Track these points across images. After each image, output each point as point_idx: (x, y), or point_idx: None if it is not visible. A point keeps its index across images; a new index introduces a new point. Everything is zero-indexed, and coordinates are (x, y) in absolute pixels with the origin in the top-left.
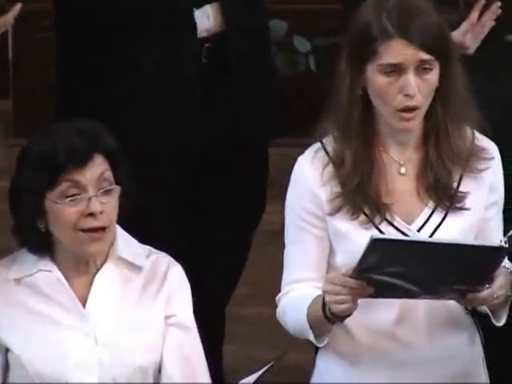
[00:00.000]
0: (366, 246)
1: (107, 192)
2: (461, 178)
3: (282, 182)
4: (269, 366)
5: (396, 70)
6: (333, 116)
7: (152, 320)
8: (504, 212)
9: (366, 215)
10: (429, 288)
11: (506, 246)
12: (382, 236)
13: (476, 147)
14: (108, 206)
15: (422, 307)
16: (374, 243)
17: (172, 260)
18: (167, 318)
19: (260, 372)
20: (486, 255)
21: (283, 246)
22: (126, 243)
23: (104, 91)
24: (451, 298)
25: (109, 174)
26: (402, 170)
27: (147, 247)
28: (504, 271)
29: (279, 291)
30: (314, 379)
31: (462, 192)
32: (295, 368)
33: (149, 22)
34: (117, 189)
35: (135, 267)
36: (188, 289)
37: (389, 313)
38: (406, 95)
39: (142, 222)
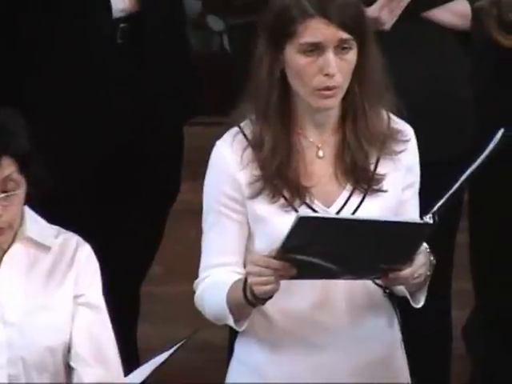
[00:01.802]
0: (291, 225)
1: (9, 196)
2: (378, 161)
3: (195, 160)
4: (179, 344)
5: (315, 49)
6: (251, 99)
7: (61, 300)
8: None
9: (286, 199)
10: (352, 267)
11: (431, 222)
12: (308, 214)
13: (392, 129)
14: (9, 209)
15: (341, 291)
16: (300, 222)
17: (80, 240)
18: (76, 297)
19: (171, 350)
20: (411, 232)
21: (198, 224)
22: (34, 223)
23: (15, 76)
24: (373, 278)
25: (16, 176)
26: (320, 153)
27: (56, 227)
28: (424, 250)
29: (194, 270)
30: (232, 365)
31: (379, 174)
32: (208, 345)
33: (62, 2)
34: (20, 193)
35: (44, 247)
36: (97, 268)
37: (308, 297)
38: (326, 75)
39: (58, 208)
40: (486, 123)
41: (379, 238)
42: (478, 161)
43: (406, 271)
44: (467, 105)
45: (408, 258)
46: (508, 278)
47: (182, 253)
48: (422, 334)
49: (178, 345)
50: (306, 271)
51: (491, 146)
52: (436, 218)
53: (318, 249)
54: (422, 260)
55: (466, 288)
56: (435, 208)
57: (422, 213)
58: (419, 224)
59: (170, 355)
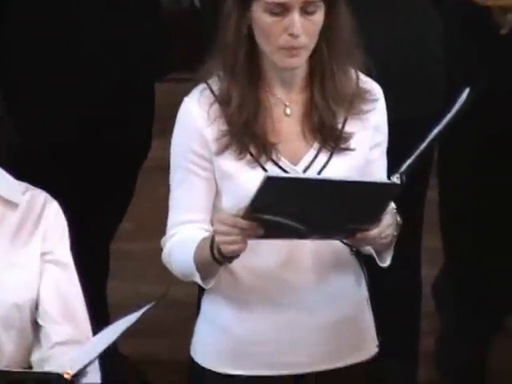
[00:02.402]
0: (259, 185)
1: None
2: (345, 120)
3: (165, 117)
4: (151, 305)
5: (282, 9)
6: (219, 55)
7: (28, 257)
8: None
9: (252, 155)
10: (320, 227)
11: (398, 182)
12: (276, 174)
13: (361, 89)
14: None
15: (308, 249)
16: (268, 181)
17: (48, 196)
18: (43, 254)
19: (142, 310)
20: (379, 192)
21: (167, 181)
22: (2, 180)
23: None
24: (341, 238)
25: None
26: (288, 111)
27: (24, 184)
28: (391, 211)
29: (163, 227)
30: (199, 322)
31: (346, 133)
32: (177, 302)
33: None
34: None
35: (11, 204)
36: (65, 225)
37: (274, 255)
38: (291, 35)
39: (29, 167)
40: (456, 81)
41: (346, 198)
42: (444, 120)
43: (374, 231)
44: (438, 64)
45: (375, 218)
46: (475, 237)
47: (152, 210)
48: (391, 291)
49: (149, 306)
50: (273, 231)
51: (457, 105)
52: (403, 178)
53: (285, 209)
54: (390, 220)
55: (436, 245)
56: (402, 168)
57: (391, 172)
58: (387, 184)
59: (141, 315)
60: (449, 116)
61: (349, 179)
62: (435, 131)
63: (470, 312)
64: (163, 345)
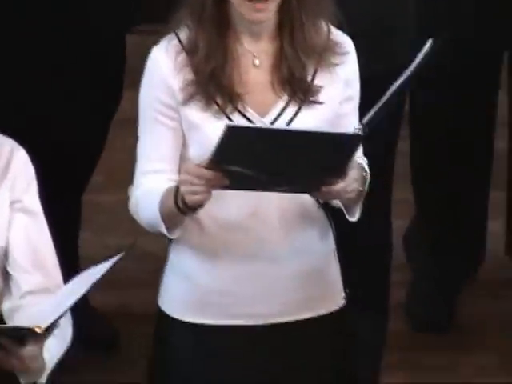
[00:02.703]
0: (220, 135)
1: None
2: (315, 72)
3: (135, 69)
4: (120, 255)
5: None
6: (187, 4)
7: None
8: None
9: (218, 105)
10: (285, 179)
11: (361, 133)
12: (237, 124)
13: (331, 41)
14: None
15: (275, 201)
16: (229, 131)
17: (15, 144)
18: (12, 203)
19: (113, 260)
20: (342, 144)
21: (137, 133)
22: None
23: None
24: (306, 191)
25: None
26: (256, 62)
27: None
28: (357, 165)
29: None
30: (166, 272)
31: (316, 86)
32: (148, 254)
33: None
34: None
35: None
36: (32, 174)
37: (242, 207)
38: None
39: None
40: (423, 32)
41: (309, 149)
42: (408, 72)
43: (339, 185)
44: (408, 17)
45: (340, 171)
46: (445, 188)
47: (123, 162)
48: (361, 243)
49: (118, 256)
50: (238, 182)
51: (420, 56)
52: (366, 129)
53: (248, 159)
54: (355, 175)
55: (407, 197)
56: (365, 120)
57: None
58: (349, 135)
59: (111, 266)
60: (412, 67)
61: (310, 130)
62: (398, 83)
63: (440, 263)
64: (134, 297)
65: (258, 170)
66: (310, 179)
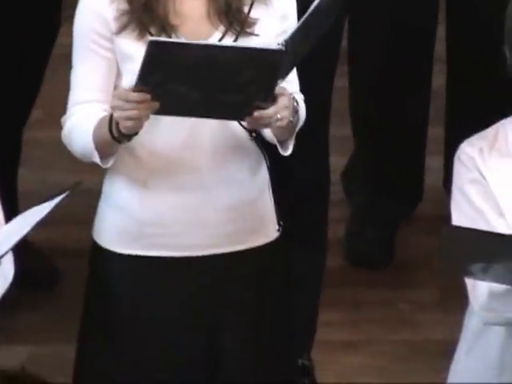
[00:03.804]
0: (145, 52)
1: None
2: (252, 4)
3: (73, 3)
4: (65, 194)
5: None
6: None
7: None
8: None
9: (152, 35)
10: (216, 102)
11: (284, 49)
12: (160, 38)
13: None
14: None
15: (207, 132)
16: (153, 46)
17: None
18: None
19: (56, 200)
20: (265, 59)
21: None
22: None
23: None
24: (238, 117)
25: None
26: None
27: None
28: (287, 93)
29: None
30: (101, 204)
31: (252, 18)
32: (88, 191)
33: None
34: None
35: None
36: None
37: (174, 137)
38: None
39: None
40: None
41: (236, 65)
42: None
43: (269, 110)
44: None
45: (269, 91)
46: (384, 124)
47: (61, 97)
48: (298, 178)
49: (62, 196)
50: (169, 106)
51: None
52: (288, 46)
53: (175, 79)
54: (286, 102)
55: (345, 134)
56: (287, 36)
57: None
58: (272, 50)
59: (54, 206)
60: None
61: (232, 45)
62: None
63: (379, 199)
64: (71, 233)
65: (187, 91)
66: (241, 101)
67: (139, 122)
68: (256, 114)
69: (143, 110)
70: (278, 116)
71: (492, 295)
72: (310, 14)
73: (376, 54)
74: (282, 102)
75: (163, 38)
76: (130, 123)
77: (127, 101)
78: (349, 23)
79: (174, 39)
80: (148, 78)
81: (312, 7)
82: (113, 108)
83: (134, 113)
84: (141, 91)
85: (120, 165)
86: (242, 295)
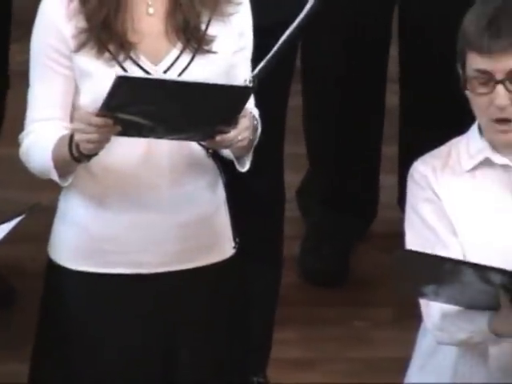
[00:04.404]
0: (111, 84)
1: None
2: (209, 21)
3: (25, 21)
4: (23, 215)
5: None
6: None
7: None
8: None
9: (111, 53)
10: (178, 128)
11: (251, 85)
12: (127, 74)
13: None
14: None
15: (165, 149)
16: (120, 81)
17: None
18: None
19: (14, 221)
20: (233, 95)
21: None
22: None
23: None
24: (199, 139)
25: None
26: (151, 10)
27: None
28: (248, 114)
29: None
30: (56, 220)
31: (210, 35)
32: (46, 209)
33: None
34: None
35: None
36: None
37: (132, 154)
38: None
39: None
40: None
41: (201, 100)
42: (295, 24)
43: (231, 134)
44: None
45: (232, 120)
46: (337, 141)
47: (18, 114)
48: (254, 196)
49: (19, 217)
50: (131, 129)
51: (307, 8)
52: (256, 81)
53: (140, 108)
54: (247, 123)
55: (300, 151)
56: (255, 72)
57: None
58: (240, 87)
59: (12, 228)
60: (299, 19)
61: (201, 82)
62: (286, 35)
63: (333, 217)
64: (28, 251)
65: (151, 119)
66: (204, 128)
67: (100, 144)
68: (218, 138)
69: (105, 133)
70: (240, 137)
71: (444, 316)
72: (278, 49)
73: (328, 72)
74: (244, 123)
75: (131, 75)
76: (90, 146)
77: (89, 124)
78: (301, 41)
79: (141, 75)
80: (112, 106)
81: (279, 42)
82: (74, 130)
83: (95, 136)
84: (104, 116)
85: (76, 181)
86: (197, 312)
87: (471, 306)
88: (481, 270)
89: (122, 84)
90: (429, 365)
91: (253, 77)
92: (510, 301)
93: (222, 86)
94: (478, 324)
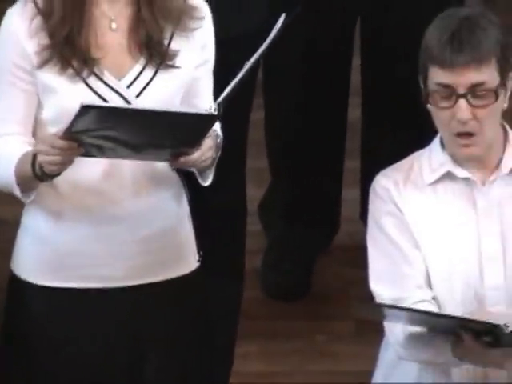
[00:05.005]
0: (76, 111)
1: None
2: (172, 36)
3: None
4: None
5: None
6: None
7: None
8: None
9: (74, 68)
10: (141, 151)
11: (216, 113)
12: (92, 103)
13: (188, 5)
14: None
15: (128, 162)
16: (85, 110)
17: None
18: None
19: None
20: (196, 122)
21: None
22: None
23: None
24: (162, 160)
25: None
26: (113, 25)
27: None
28: (212, 134)
29: None
30: (20, 234)
31: (172, 50)
32: (5, 223)
33: None
34: None
35: None
36: None
37: (95, 168)
38: None
39: None
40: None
41: (165, 127)
42: (261, 48)
43: (194, 155)
44: None
45: (195, 144)
46: (299, 156)
47: None
48: (215, 208)
49: None
50: (94, 151)
51: (273, 32)
52: (221, 108)
53: (104, 133)
54: (210, 143)
55: (263, 166)
56: (220, 99)
57: (218, 90)
58: (204, 115)
59: None
60: (264, 44)
61: (166, 110)
62: (252, 59)
63: (295, 231)
64: None
65: (115, 143)
66: (167, 151)
67: (63, 166)
68: (182, 159)
69: (68, 155)
70: (203, 158)
71: (407, 336)
72: (243, 75)
73: (290, 86)
74: (207, 144)
75: (96, 103)
76: (53, 167)
77: (53, 147)
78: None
79: (106, 104)
80: (76, 130)
81: (245, 67)
82: (37, 151)
83: (58, 158)
84: (67, 139)
85: (39, 195)
86: (162, 327)
87: (434, 329)
88: (442, 318)
89: (87, 112)
90: (392, 377)
91: (218, 104)
92: (472, 338)
93: (187, 114)
94: (440, 349)
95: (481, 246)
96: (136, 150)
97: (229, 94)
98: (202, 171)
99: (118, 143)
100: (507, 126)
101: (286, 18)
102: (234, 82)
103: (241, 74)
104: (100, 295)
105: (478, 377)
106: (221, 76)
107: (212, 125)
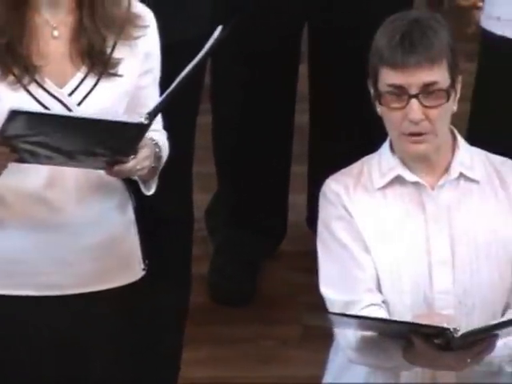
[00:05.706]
0: (6, 116)
1: None
2: (115, 44)
3: None
4: None
5: None
6: None
7: None
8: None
9: (15, 75)
10: (74, 158)
11: (146, 122)
12: (21, 108)
13: (132, 14)
14: None
15: (71, 170)
16: (14, 115)
17: None
18: None
19: None
20: (127, 130)
21: None
22: None
23: None
24: (98, 168)
25: None
26: (55, 33)
27: None
28: (149, 143)
29: None
30: None
31: (115, 58)
32: None
33: None
34: None
35: None
36: None
37: (38, 176)
38: None
39: None
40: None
41: (97, 134)
42: (195, 60)
43: (129, 164)
44: None
45: (129, 152)
46: (244, 164)
47: None
48: (161, 215)
49: None
50: (28, 157)
51: (209, 44)
52: (152, 118)
53: (36, 139)
54: (147, 153)
55: (210, 171)
56: (151, 109)
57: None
58: (134, 124)
59: None
60: (200, 55)
61: (95, 118)
62: (186, 71)
63: (241, 236)
64: None
65: (48, 149)
66: (101, 159)
67: None
68: (116, 168)
69: (1, 161)
70: (138, 167)
71: (359, 339)
72: (178, 85)
73: (235, 91)
74: (143, 154)
75: (24, 108)
76: None
77: None
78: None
79: (35, 110)
80: (7, 136)
81: (180, 77)
82: None
83: None
84: (1, 144)
85: None
86: (105, 335)
87: (385, 334)
88: (393, 323)
89: (17, 117)
90: (342, 379)
91: (148, 113)
92: (423, 342)
93: (116, 123)
94: (392, 353)
95: (430, 251)
96: (70, 157)
97: (160, 105)
98: (145, 180)
99: (51, 150)
100: (456, 131)
101: (222, 30)
102: (167, 92)
103: (173, 85)
104: (46, 303)
105: (427, 377)
106: (166, 82)
107: (143, 134)
